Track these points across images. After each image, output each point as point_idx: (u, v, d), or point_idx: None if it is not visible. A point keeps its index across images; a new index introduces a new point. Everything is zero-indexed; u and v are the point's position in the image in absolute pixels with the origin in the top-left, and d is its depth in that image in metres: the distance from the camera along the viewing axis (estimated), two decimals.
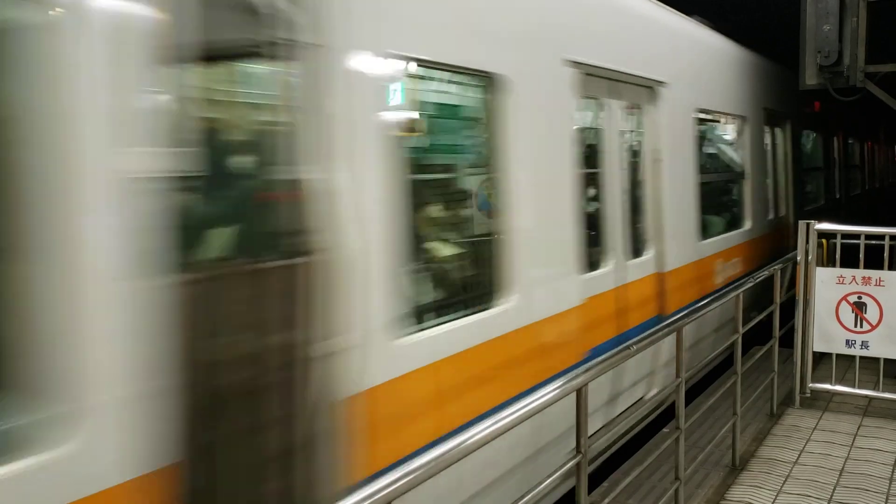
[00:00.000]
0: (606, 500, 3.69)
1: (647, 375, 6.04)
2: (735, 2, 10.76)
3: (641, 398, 6.02)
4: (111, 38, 2.48)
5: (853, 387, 6.52)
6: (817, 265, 6.54)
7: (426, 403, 3.69)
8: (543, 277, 4.63)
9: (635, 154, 6.26)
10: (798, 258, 6.58)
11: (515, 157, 4.37)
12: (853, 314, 6.34)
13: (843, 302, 6.37)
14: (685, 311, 4.63)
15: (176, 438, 2.60)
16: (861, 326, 6.33)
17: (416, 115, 4.11)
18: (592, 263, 5.35)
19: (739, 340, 5.42)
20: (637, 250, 6.09)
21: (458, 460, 2.56)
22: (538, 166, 4.67)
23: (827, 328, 6.46)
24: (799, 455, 5.53)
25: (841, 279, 6.39)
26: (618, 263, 5.69)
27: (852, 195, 15.36)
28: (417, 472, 2.36)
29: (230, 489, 2.99)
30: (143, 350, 2.52)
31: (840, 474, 5.19)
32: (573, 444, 3.35)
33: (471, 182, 4.52)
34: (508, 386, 4.20)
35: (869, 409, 6.44)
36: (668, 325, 4.30)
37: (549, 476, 3.11)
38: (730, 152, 8.85)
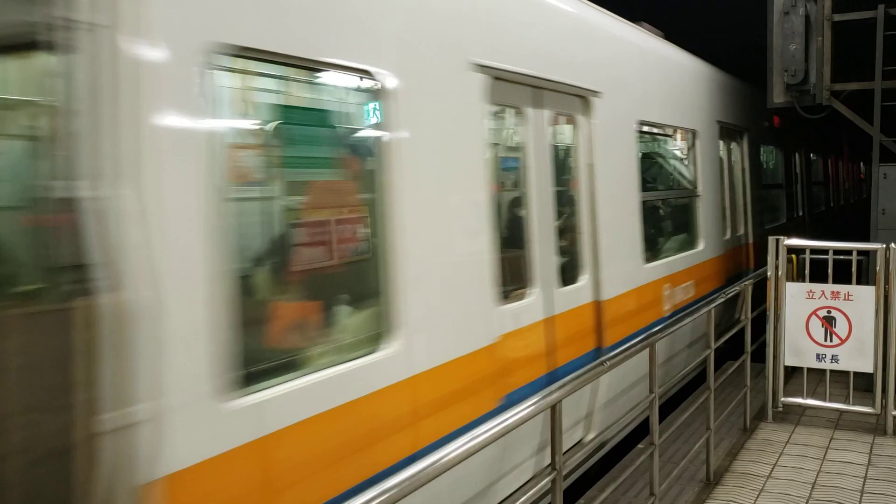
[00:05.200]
0: None
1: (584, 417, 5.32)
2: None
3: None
4: None
5: (824, 400, 6.58)
6: (787, 280, 6.63)
7: None
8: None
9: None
10: (768, 273, 6.65)
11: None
12: (823, 328, 6.41)
13: (813, 316, 6.44)
14: (659, 327, 4.66)
15: None
16: (831, 340, 6.40)
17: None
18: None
19: (712, 356, 5.46)
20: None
21: (433, 479, 2.54)
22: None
23: (798, 342, 6.53)
24: (772, 469, 5.57)
25: (811, 294, 6.46)
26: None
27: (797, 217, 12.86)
28: (392, 492, 2.35)
29: None
30: None
31: (813, 487, 5.23)
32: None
33: None
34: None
35: (840, 422, 6.51)
36: (641, 341, 4.32)
37: (524, 493, 3.09)
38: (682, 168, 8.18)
